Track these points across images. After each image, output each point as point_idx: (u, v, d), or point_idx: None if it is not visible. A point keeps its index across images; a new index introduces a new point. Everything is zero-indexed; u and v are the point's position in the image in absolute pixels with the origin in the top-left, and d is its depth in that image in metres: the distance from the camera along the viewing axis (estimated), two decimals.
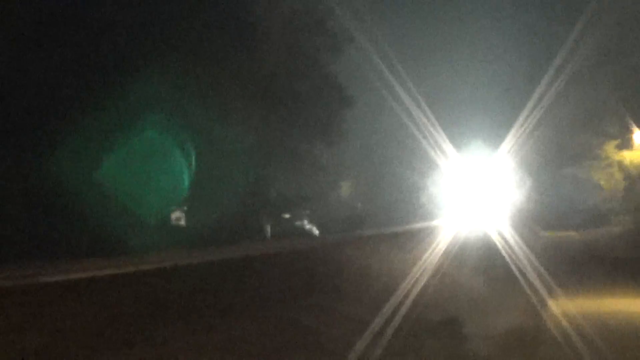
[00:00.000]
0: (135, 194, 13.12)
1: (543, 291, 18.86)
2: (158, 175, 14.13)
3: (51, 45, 14.73)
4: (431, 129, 24.48)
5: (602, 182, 39.83)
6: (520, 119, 26.17)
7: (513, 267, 21.33)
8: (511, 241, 23.42)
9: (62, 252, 12.93)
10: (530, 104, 25.67)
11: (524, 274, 20.42)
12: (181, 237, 15.77)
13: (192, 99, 15.92)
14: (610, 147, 39.53)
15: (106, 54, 15.16)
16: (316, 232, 25.37)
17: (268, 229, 20.32)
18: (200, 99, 16.04)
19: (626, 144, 39.31)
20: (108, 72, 15.23)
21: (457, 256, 23.23)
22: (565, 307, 17.10)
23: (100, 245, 13.88)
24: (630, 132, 38.41)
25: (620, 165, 39.76)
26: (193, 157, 15.46)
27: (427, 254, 21.17)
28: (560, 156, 40.11)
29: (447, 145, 26.52)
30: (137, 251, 13.99)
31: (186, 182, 13.78)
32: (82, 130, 14.28)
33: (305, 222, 25.10)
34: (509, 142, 27.48)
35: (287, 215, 22.38)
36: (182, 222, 16.69)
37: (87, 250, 13.38)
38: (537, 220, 35.30)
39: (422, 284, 17.54)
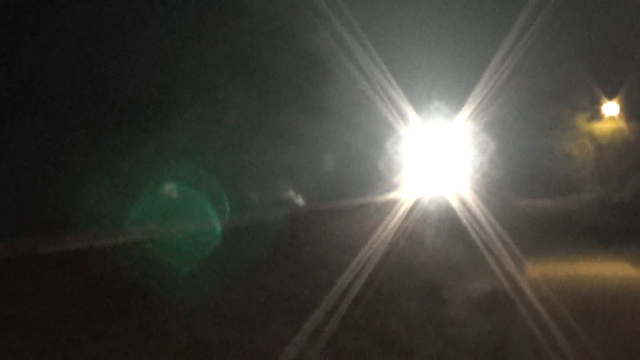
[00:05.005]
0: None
1: (513, 258, 20.12)
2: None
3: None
4: (395, 96, 25.19)
5: (573, 152, 41.34)
6: (483, 81, 26.02)
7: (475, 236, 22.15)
8: (479, 208, 24.08)
9: None
10: (491, 67, 25.64)
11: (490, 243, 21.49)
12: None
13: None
14: (581, 119, 41.03)
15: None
16: (301, 200, 26.50)
17: (254, 198, 21.41)
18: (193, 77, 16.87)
19: (596, 115, 40.85)
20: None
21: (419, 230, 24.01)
22: (536, 273, 18.53)
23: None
24: (600, 104, 39.85)
25: (591, 136, 41.31)
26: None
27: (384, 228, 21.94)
28: (530, 125, 41.42)
29: (413, 114, 27.00)
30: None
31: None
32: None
33: (291, 191, 26.20)
34: (471, 105, 27.38)
35: (271, 185, 23.43)
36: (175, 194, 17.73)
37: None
38: (507, 189, 36.56)
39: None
